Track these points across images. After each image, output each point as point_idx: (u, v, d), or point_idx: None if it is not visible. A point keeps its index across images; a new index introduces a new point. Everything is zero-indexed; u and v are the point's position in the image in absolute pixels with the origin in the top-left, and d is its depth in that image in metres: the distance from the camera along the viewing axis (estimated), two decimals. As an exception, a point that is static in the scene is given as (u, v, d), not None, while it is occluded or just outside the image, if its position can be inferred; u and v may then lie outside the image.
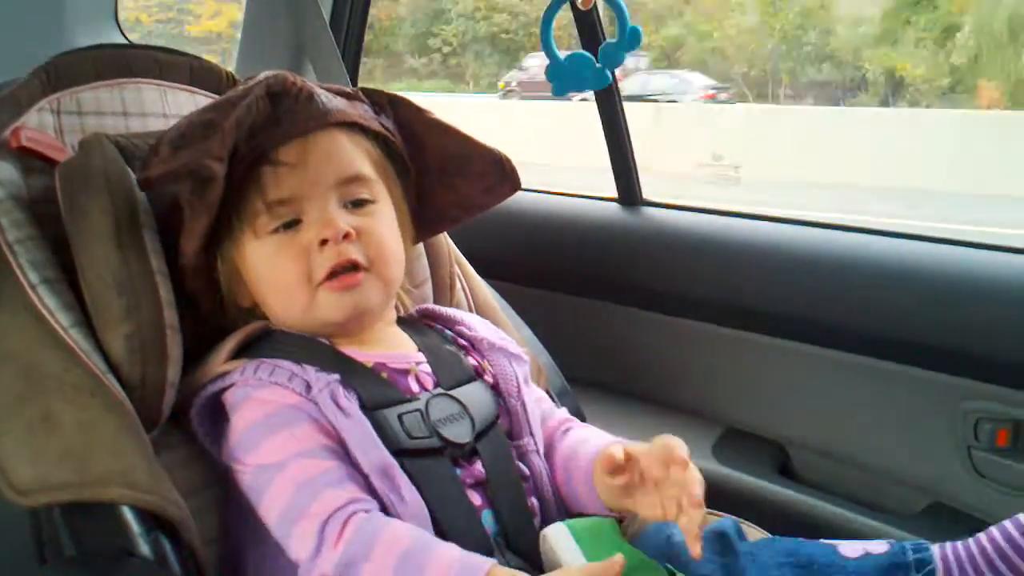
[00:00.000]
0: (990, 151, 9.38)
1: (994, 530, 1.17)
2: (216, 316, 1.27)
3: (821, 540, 1.23)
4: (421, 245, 1.53)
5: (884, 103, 13.17)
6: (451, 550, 1.03)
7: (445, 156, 1.38)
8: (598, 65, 1.38)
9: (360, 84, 2.29)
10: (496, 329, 1.42)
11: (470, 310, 1.57)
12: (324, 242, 1.19)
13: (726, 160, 9.92)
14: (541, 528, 1.16)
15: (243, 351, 1.21)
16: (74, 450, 1.07)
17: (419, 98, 1.42)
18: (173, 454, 1.18)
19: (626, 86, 12.34)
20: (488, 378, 1.31)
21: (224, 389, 1.17)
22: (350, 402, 1.13)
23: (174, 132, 1.18)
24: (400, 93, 1.39)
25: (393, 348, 1.28)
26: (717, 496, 1.74)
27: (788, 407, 2.12)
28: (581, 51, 1.39)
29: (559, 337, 1.72)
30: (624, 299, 2.34)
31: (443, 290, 1.56)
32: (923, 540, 1.19)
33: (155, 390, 1.16)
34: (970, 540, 1.17)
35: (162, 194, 1.24)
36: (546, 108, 12.24)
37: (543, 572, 1.09)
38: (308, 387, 1.14)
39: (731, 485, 2.02)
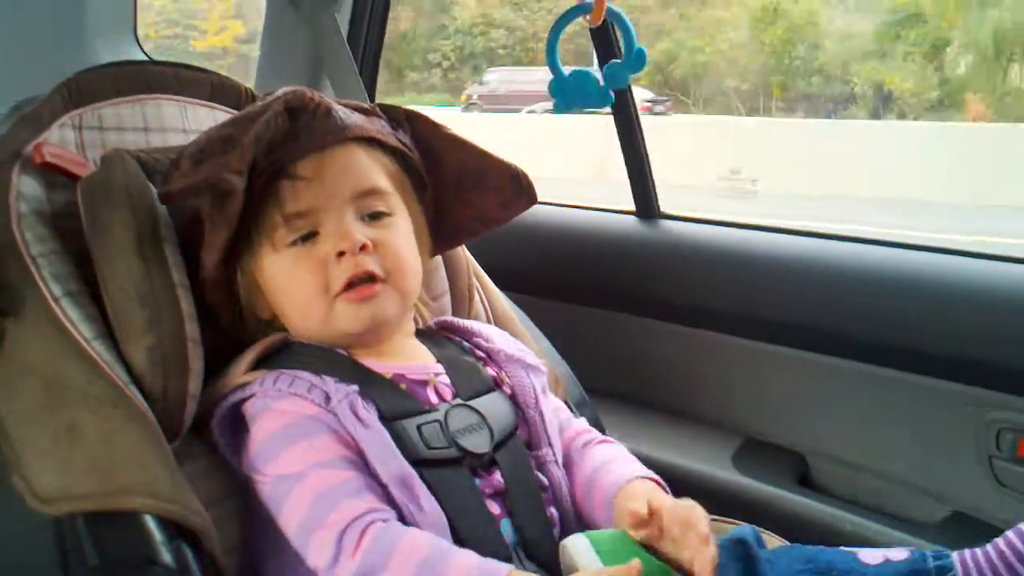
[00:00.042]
0: (985, 162, 9.43)
1: (1011, 534, 1.16)
2: (236, 328, 1.28)
3: (841, 548, 1.22)
4: (439, 258, 1.53)
5: (875, 115, 13.36)
6: (469, 557, 1.03)
7: (462, 171, 1.38)
8: (602, 84, 1.38)
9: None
10: (514, 340, 1.42)
11: (489, 322, 1.57)
12: (341, 254, 1.19)
13: (743, 173, 9.93)
14: (560, 538, 1.15)
15: (263, 362, 1.22)
16: (98, 461, 1.08)
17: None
18: (195, 464, 1.18)
19: None
20: (506, 389, 1.31)
21: (244, 400, 1.18)
22: (369, 413, 1.13)
23: (194, 147, 1.19)
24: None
25: (411, 360, 1.27)
26: (737, 506, 1.73)
27: (808, 417, 2.11)
28: (586, 68, 1.39)
29: (578, 348, 1.72)
30: (642, 311, 2.33)
31: (462, 302, 1.56)
32: (943, 548, 1.18)
33: (177, 402, 1.16)
34: (988, 546, 1.16)
35: (183, 208, 1.25)
36: (506, 121, 12.73)
37: None
38: (327, 398, 1.14)
39: (750, 495, 2.00)
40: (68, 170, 1.26)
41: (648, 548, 1.11)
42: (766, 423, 2.18)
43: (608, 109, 1.93)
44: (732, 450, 2.15)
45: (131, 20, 2.11)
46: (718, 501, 1.80)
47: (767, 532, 1.35)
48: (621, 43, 1.38)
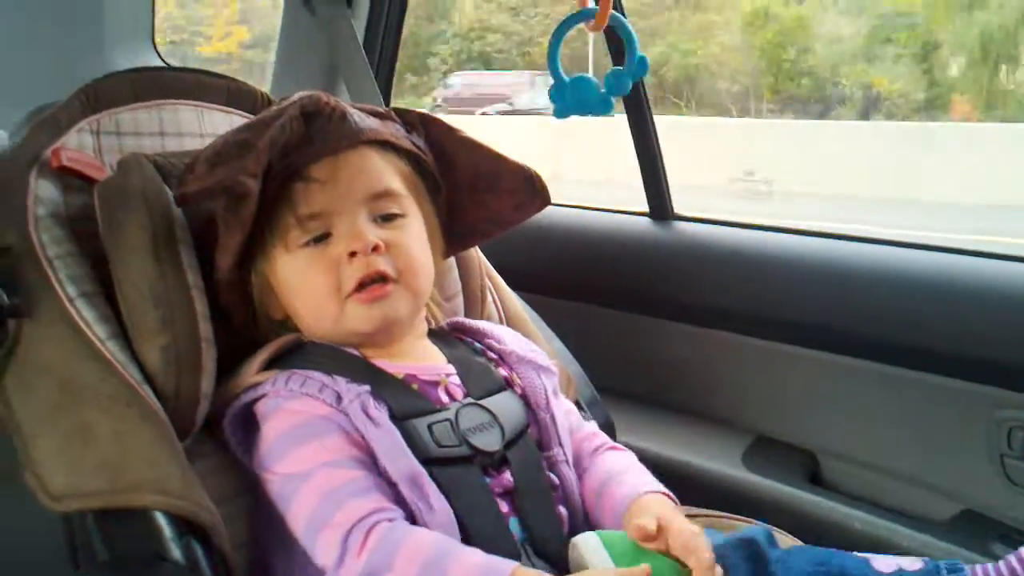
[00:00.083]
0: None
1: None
2: (249, 328, 1.28)
3: (855, 553, 1.21)
4: (452, 259, 1.52)
5: (863, 116, 13.54)
6: (474, 555, 1.02)
7: (476, 173, 1.37)
8: (602, 90, 1.37)
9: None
10: (526, 341, 1.41)
11: (501, 322, 1.56)
12: (353, 255, 1.19)
13: (756, 176, 9.92)
14: (569, 537, 1.14)
15: (275, 362, 1.22)
16: (109, 459, 1.08)
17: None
18: (206, 462, 1.18)
19: (516, 101, 13.60)
20: (517, 389, 1.30)
21: (256, 400, 1.18)
22: (380, 412, 1.13)
23: (210, 151, 1.19)
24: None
25: (423, 360, 1.27)
26: (746, 503, 1.73)
27: (818, 416, 2.09)
28: (586, 75, 1.38)
29: (590, 349, 1.71)
30: (655, 311, 2.32)
31: (474, 303, 1.56)
32: (956, 560, 1.16)
33: (189, 401, 1.17)
34: (1000, 562, 1.15)
35: (198, 211, 1.25)
36: (463, 121, 12.87)
37: None
38: (339, 398, 1.14)
39: (760, 493, 1.99)
40: (85, 174, 1.26)
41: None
42: (777, 421, 2.16)
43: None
44: (743, 448, 2.14)
45: (149, 28, 2.12)
46: (728, 499, 1.81)
47: (779, 530, 1.34)
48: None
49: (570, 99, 1.35)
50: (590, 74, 1.36)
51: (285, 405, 1.14)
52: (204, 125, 1.44)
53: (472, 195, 1.38)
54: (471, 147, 1.37)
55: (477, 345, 1.37)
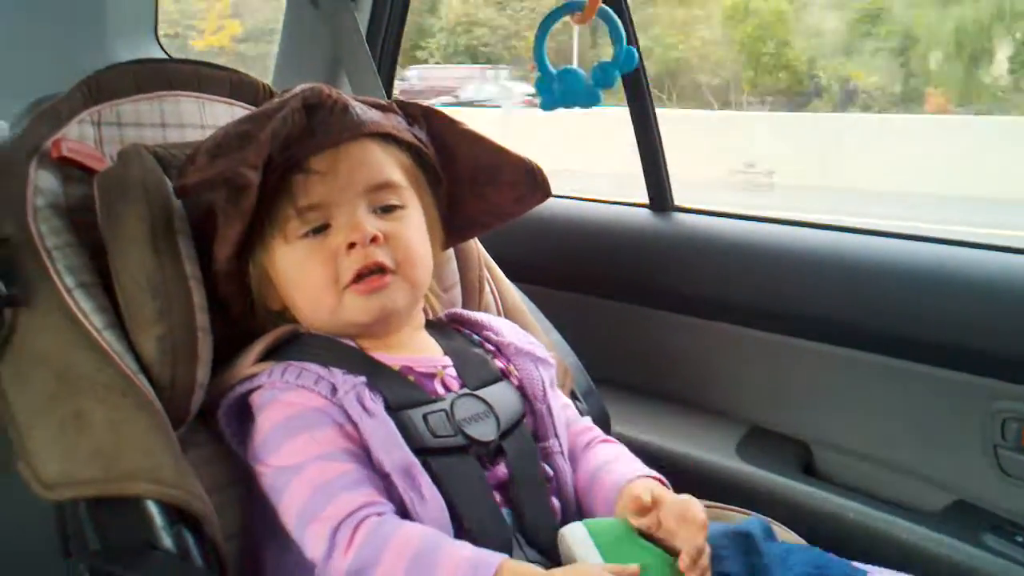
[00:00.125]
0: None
1: None
2: (247, 319, 1.27)
3: (854, 563, 1.21)
4: (451, 250, 1.51)
5: (840, 109, 13.70)
6: (463, 548, 1.02)
7: (477, 166, 1.36)
8: (589, 82, 1.35)
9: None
10: (524, 333, 1.40)
11: (499, 313, 1.55)
12: (352, 246, 1.18)
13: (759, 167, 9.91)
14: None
15: (272, 354, 1.20)
16: (103, 448, 1.07)
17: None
18: (199, 452, 1.18)
19: (460, 94, 13.86)
20: (514, 380, 1.29)
21: (252, 391, 1.17)
22: (375, 403, 1.12)
23: (211, 142, 1.18)
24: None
25: (419, 352, 1.26)
26: (740, 494, 1.72)
27: (813, 407, 2.08)
28: (573, 67, 1.36)
29: (588, 339, 1.70)
30: (653, 302, 2.31)
31: (472, 294, 1.55)
32: None
33: (184, 390, 1.16)
34: None
35: (198, 202, 1.24)
36: None
37: None
38: (334, 390, 1.13)
39: (754, 483, 1.99)
40: (85, 164, 1.25)
41: (646, 537, 1.10)
42: (771, 412, 2.16)
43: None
44: (737, 439, 2.13)
45: (152, 21, 2.11)
46: (722, 489, 1.81)
47: (777, 523, 1.34)
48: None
49: (557, 91, 1.34)
50: (575, 66, 1.35)
51: (280, 397, 1.14)
52: (206, 117, 1.43)
53: (472, 187, 1.37)
54: (472, 140, 1.36)
55: (475, 337, 1.36)
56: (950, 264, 1.93)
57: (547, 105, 1.34)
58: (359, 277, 1.18)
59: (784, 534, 1.33)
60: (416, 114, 1.35)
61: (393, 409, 1.14)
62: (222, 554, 1.11)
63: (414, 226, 1.26)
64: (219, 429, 1.19)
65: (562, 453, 1.26)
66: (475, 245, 1.58)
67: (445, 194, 1.37)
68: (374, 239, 1.18)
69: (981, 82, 12.52)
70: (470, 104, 13.17)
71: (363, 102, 1.29)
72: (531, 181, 1.36)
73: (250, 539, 1.18)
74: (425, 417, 1.15)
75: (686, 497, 1.13)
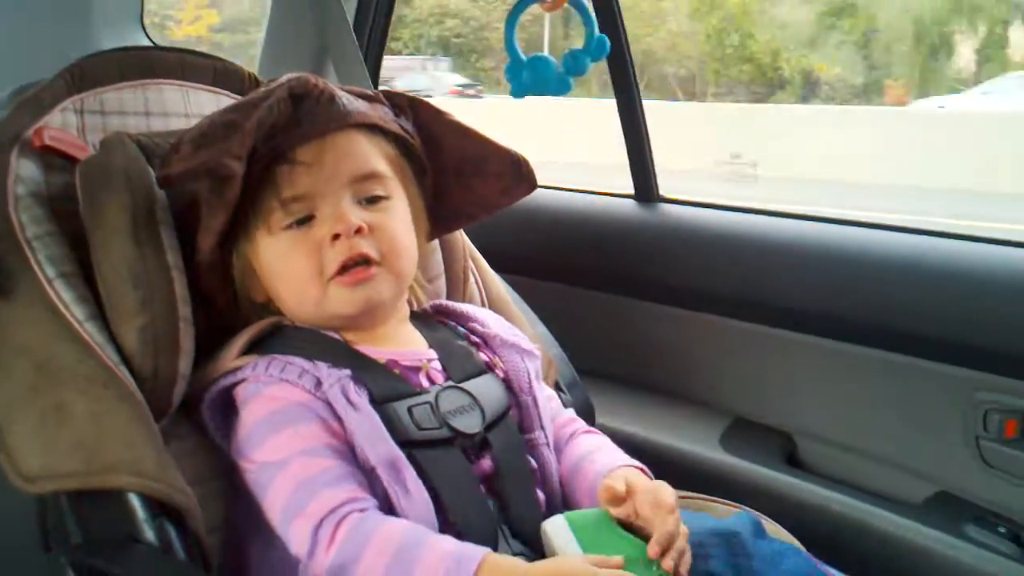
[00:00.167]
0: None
1: None
2: (230, 311, 1.25)
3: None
4: (436, 241, 1.50)
5: (803, 100, 14.10)
6: (445, 542, 1.01)
7: (463, 157, 1.35)
8: (560, 70, 1.34)
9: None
10: (509, 325, 1.39)
11: (483, 304, 1.54)
12: (336, 237, 1.16)
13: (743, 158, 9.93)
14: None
15: (256, 346, 1.19)
16: (85, 440, 1.06)
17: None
18: (182, 444, 1.17)
19: (395, 84, 13.79)
20: (499, 372, 1.28)
21: (235, 384, 1.15)
22: (360, 397, 1.11)
23: (195, 131, 1.16)
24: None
25: (405, 345, 1.25)
26: (724, 485, 1.72)
27: (796, 398, 2.08)
28: (544, 54, 1.35)
29: (573, 331, 1.69)
30: (638, 293, 2.30)
31: (457, 284, 1.54)
32: None
33: (166, 381, 1.14)
34: None
35: (181, 192, 1.21)
36: None
37: None
38: (318, 384, 1.11)
39: (738, 474, 1.98)
40: (68, 153, 1.23)
41: (626, 527, 1.09)
42: (755, 403, 2.15)
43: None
44: (720, 430, 2.13)
45: (138, 9, 2.09)
46: (705, 480, 1.80)
47: (767, 519, 1.33)
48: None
49: (527, 78, 1.32)
50: (546, 53, 1.34)
51: (264, 391, 1.12)
52: (190, 105, 1.41)
53: (458, 178, 1.36)
54: (458, 131, 1.35)
55: (460, 328, 1.35)
56: (933, 255, 1.92)
57: (517, 92, 1.33)
58: (344, 269, 1.17)
59: (770, 527, 1.32)
60: (402, 104, 1.33)
61: (378, 402, 1.12)
62: (205, 547, 1.10)
63: (399, 217, 1.25)
64: (202, 421, 1.18)
65: (548, 445, 1.26)
66: (460, 236, 1.57)
67: (431, 185, 1.36)
68: (359, 230, 1.17)
69: (941, 74, 12.72)
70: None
71: (349, 92, 1.27)
72: (517, 172, 1.35)
73: (234, 533, 1.16)
74: (410, 410, 1.14)
75: (658, 483, 1.13)
